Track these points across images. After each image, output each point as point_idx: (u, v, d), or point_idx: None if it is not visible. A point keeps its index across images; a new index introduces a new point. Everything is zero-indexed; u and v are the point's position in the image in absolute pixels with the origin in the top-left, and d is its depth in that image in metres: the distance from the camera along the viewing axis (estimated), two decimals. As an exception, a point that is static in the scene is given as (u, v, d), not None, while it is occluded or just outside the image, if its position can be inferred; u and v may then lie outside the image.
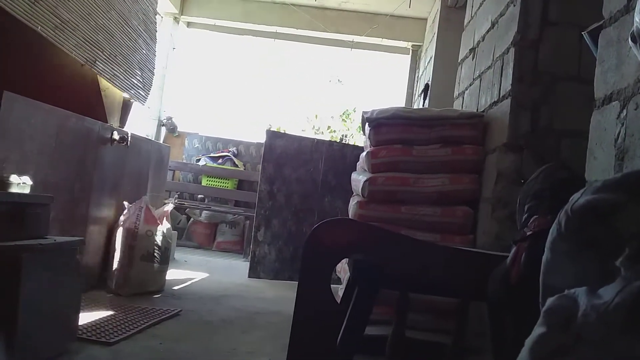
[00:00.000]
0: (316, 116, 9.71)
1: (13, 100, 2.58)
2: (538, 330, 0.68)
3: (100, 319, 2.86)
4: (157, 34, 4.75)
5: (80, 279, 2.48)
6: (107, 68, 3.74)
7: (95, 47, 3.50)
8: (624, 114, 1.36)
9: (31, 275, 2.03)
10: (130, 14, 4.06)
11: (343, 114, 9.77)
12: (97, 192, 3.51)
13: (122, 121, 4.26)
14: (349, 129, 9.54)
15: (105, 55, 3.66)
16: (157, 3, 4.79)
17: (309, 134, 9.11)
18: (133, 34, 4.14)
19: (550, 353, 0.65)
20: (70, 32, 3.18)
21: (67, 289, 2.37)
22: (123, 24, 3.93)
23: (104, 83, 3.78)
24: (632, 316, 0.59)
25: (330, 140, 6.69)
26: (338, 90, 10.37)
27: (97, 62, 3.55)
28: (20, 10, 2.69)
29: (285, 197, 5.23)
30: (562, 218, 0.79)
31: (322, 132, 9.43)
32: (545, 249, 0.82)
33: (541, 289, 0.82)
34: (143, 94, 4.53)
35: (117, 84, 3.94)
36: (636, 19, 1.09)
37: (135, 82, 4.29)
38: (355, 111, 9.60)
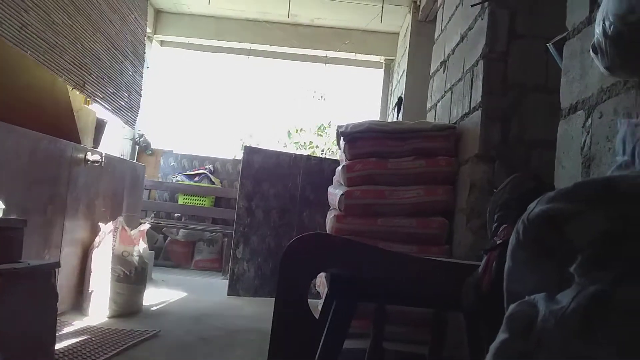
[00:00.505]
0: (297, 130, 9.74)
1: (-17, 123, 2.55)
2: (501, 336, 0.70)
3: (77, 342, 2.81)
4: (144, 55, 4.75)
5: (56, 302, 2.44)
6: (96, 91, 3.73)
7: (83, 70, 3.48)
8: (589, 122, 1.40)
9: (5, 300, 2.00)
10: (118, 36, 4.05)
11: (319, 128, 9.82)
12: (72, 213, 3.46)
13: (96, 141, 4.22)
14: (325, 143, 9.59)
15: (93, 78, 3.64)
16: (146, 25, 4.79)
17: (290, 149, 9.13)
18: (120, 57, 4.13)
19: (512, 359, 0.67)
20: (59, 55, 3.17)
21: (43, 313, 2.33)
22: (110, 47, 3.92)
23: (77, 104, 3.76)
24: (586, 320, 0.61)
25: (308, 155, 6.71)
26: (314, 105, 10.43)
27: (85, 85, 3.54)
28: (9, 35, 2.68)
29: (264, 213, 5.21)
30: (519, 227, 0.81)
31: (305, 147, 9.45)
32: (507, 257, 0.84)
33: (505, 296, 0.84)
34: (132, 116, 4.51)
35: (108, 107, 3.92)
36: (596, 30, 1.13)
37: (123, 104, 4.27)
38: (330, 126, 9.67)
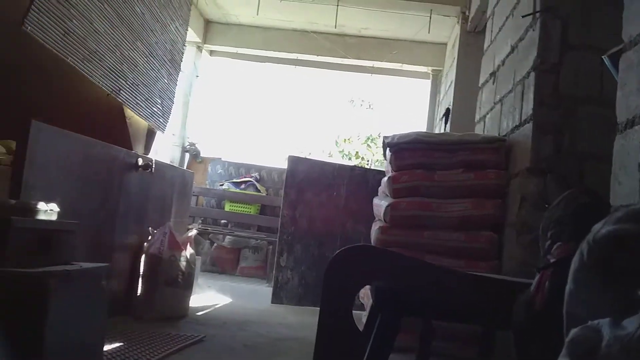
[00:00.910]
0: (344, 140, 9.73)
1: (40, 129, 2.64)
2: None
3: (125, 344, 2.87)
4: (182, 63, 4.85)
5: (107, 304, 2.50)
6: (130, 97, 3.82)
7: (119, 76, 3.58)
8: (648, 137, 1.35)
9: (57, 302, 2.06)
10: (157, 44, 4.15)
11: (367, 139, 9.79)
12: (122, 218, 3.55)
13: (147, 148, 4.33)
14: (374, 155, 9.55)
15: (128, 85, 3.74)
16: (186, 34, 4.89)
17: (336, 158, 9.13)
18: (156, 64, 4.23)
19: None
20: (97, 62, 3.26)
21: (93, 315, 2.39)
22: (148, 54, 4.02)
23: (129, 112, 3.86)
24: None
25: (352, 165, 6.70)
26: (360, 115, 10.42)
27: (121, 91, 3.63)
28: (51, 41, 2.77)
29: (308, 222, 5.23)
30: (584, 248, 0.78)
31: (350, 158, 9.44)
32: (569, 280, 0.81)
33: (565, 319, 0.81)
34: (162, 122, 4.61)
35: (140, 112, 4.02)
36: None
37: (156, 110, 4.36)
38: (379, 137, 9.63)
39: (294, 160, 5.43)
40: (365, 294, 2.86)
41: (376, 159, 9.36)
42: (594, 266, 0.76)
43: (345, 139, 9.79)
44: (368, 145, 9.70)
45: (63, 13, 2.83)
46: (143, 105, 4.08)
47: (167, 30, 4.33)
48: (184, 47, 4.87)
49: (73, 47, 2.97)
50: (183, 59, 4.91)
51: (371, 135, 9.76)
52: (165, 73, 4.46)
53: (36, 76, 3.21)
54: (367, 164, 8.89)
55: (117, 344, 2.84)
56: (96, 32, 3.18)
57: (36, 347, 1.97)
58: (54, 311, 2.03)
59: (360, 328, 1.70)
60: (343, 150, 9.70)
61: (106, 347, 2.53)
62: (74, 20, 2.91)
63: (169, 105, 4.71)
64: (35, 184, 2.62)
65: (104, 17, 3.26)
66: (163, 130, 4.71)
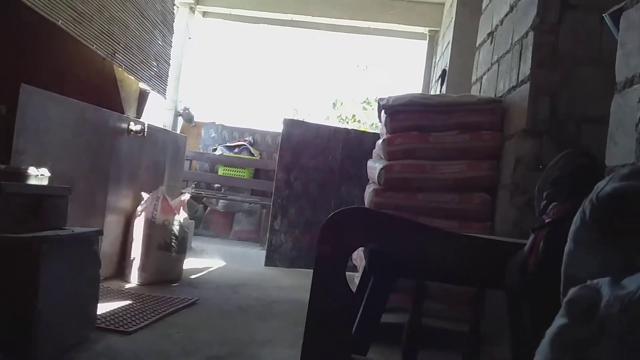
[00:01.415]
0: (341, 103, 9.65)
1: (30, 93, 2.59)
2: (559, 321, 0.66)
3: (118, 308, 2.88)
4: (174, 24, 4.75)
5: (99, 268, 2.50)
6: (126, 60, 3.75)
7: (112, 39, 3.50)
8: (646, 97, 1.32)
9: (50, 266, 2.05)
10: (147, 5, 4.05)
11: (364, 101, 9.71)
12: (115, 182, 3.53)
13: (139, 112, 4.28)
14: (368, 118, 9.50)
15: (122, 47, 3.67)
16: (175, -7, 4.78)
17: (333, 121, 9.06)
18: (149, 25, 4.14)
19: (571, 345, 0.63)
20: (88, 24, 3.19)
21: (86, 279, 2.39)
22: (139, 15, 3.92)
23: (120, 74, 3.80)
24: None
25: (347, 128, 6.65)
26: (356, 77, 10.32)
27: (115, 54, 3.56)
28: (40, 4, 2.70)
29: (302, 186, 5.22)
30: (586, 207, 0.76)
31: (347, 122, 9.38)
32: (568, 239, 0.79)
33: (562, 280, 0.79)
34: (162, 86, 4.55)
35: (138, 75, 3.95)
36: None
37: (153, 73, 4.30)
38: (375, 100, 9.55)
39: (290, 123, 5.38)
40: (357, 256, 2.86)
41: (372, 122, 9.32)
42: (596, 225, 0.73)
43: (341, 102, 9.71)
44: (364, 107, 9.64)
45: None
46: (140, 69, 4.01)
47: (155, -10, 4.23)
48: (174, 7, 4.77)
49: (60, 9, 2.89)
50: (175, 21, 4.82)
51: (367, 98, 9.68)
52: (159, 35, 4.37)
53: (26, 41, 3.13)
54: (364, 127, 8.85)
55: (110, 308, 2.84)
56: (82, -9, 3.10)
57: (29, 312, 1.97)
58: (46, 276, 2.03)
59: (353, 289, 1.69)
60: (340, 115, 9.64)
61: (99, 311, 2.53)
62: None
63: (166, 68, 4.64)
64: (25, 148, 2.58)
65: (87, -25, 3.17)
66: (164, 94, 4.65)
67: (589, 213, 0.75)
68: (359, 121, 9.48)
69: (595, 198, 0.74)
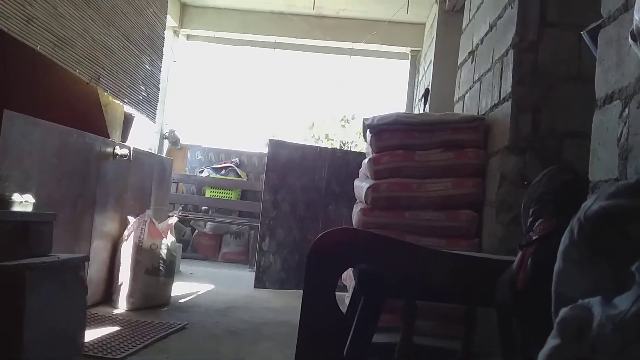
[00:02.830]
0: (312, 125, 9.72)
1: (13, 119, 2.58)
2: (552, 342, 0.66)
3: (106, 335, 2.84)
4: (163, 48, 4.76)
5: (86, 295, 2.47)
6: (111, 84, 3.75)
7: (95, 63, 3.50)
8: (626, 112, 1.35)
9: (35, 294, 2.02)
10: (133, 29, 4.06)
11: (342, 119, 9.78)
12: (101, 207, 3.50)
13: (124, 136, 4.26)
14: (347, 135, 9.57)
15: (106, 72, 3.66)
16: (165, 18, 4.79)
17: (309, 142, 9.13)
18: (135, 50, 4.14)
19: None
20: (69, 48, 3.18)
21: (73, 306, 2.36)
22: (124, 39, 3.93)
23: (105, 98, 3.79)
24: None
25: (333, 148, 6.69)
26: (339, 97, 10.39)
27: (100, 79, 3.55)
28: (16, 29, 2.69)
29: (290, 206, 5.21)
30: (574, 225, 0.77)
31: (322, 140, 9.45)
32: (557, 258, 0.79)
33: (553, 299, 0.79)
34: (151, 110, 4.54)
35: (125, 100, 3.95)
36: (636, 17, 1.08)
37: (141, 98, 4.29)
38: (354, 118, 9.63)
39: (275, 144, 5.40)
40: (347, 276, 2.86)
41: (351, 140, 9.38)
42: (584, 244, 0.74)
43: (313, 123, 9.78)
44: (342, 126, 9.71)
45: (22, -2, 2.74)
46: (127, 93, 4.01)
47: (143, 15, 4.24)
48: (164, 32, 4.78)
49: (39, 34, 2.89)
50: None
51: (345, 116, 9.77)
52: (146, 59, 4.37)
53: (6, 65, 3.12)
54: (345, 146, 8.89)
55: (98, 335, 2.81)
56: (61, 16, 3.09)
57: (15, 340, 1.94)
58: (32, 304, 2.00)
59: (343, 309, 1.69)
60: (314, 136, 9.69)
61: (87, 339, 2.50)
62: (35, 5, 2.82)
63: (155, 93, 4.63)
64: (9, 174, 2.56)
65: (67, 0, 3.17)
66: (154, 119, 4.64)
67: (577, 232, 0.76)
68: (332, 139, 9.53)
69: (583, 217, 0.75)
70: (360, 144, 8.80)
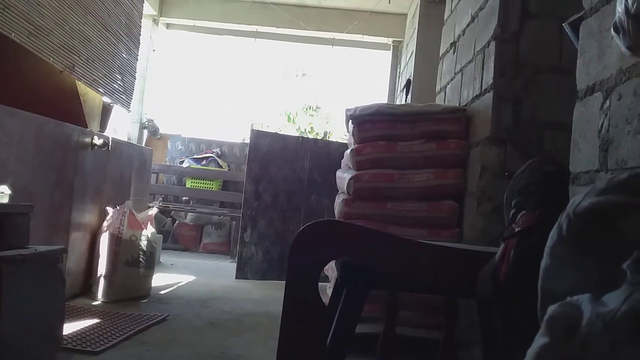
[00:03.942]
0: (290, 116, 9.69)
1: (-12, 108, 2.52)
2: (540, 340, 0.66)
3: (85, 327, 2.81)
4: (140, 37, 4.69)
5: (64, 287, 2.43)
6: (87, 73, 3.68)
7: (71, 52, 3.44)
8: (607, 104, 1.35)
9: (12, 287, 1.99)
10: (110, 18, 3.99)
11: (308, 108, 9.78)
12: (79, 198, 3.45)
13: (103, 125, 4.20)
14: (322, 124, 9.59)
15: (82, 61, 3.60)
16: (142, 6, 4.72)
17: (291, 132, 9.11)
18: (112, 39, 4.07)
19: None
20: (45, 37, 3.12)
21: (51, 299, 2.32)
22: (101, 28, 3.86)
23: (82, 88, 3.72)
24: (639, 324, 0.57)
25: (315, 138, 6.68)
26: (313, 87, 10.36)
27: (75, 67, 3.49)
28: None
29: (272, 197, 5.20)
30: (563, 222, 0.76)
31: (304, 131, 9.43)
32: (545, 254, 0.79)
33: (540, 295, 0.79)
34: (126, 99, 4.48)
35: (99, 89, 3.89)
36: (618, 9, 1.08)
37: (117, 87, 4.23)
38: (318, 107, 9.66)
39: (257, 135, 5.37)
40: (329, 266, 2.86)
41: (324, 130, 9.39)
42: (573, 240, 0.74)
43: (295, 113, 9.77)
44: (310, 115, 9.72)
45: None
46: (102, 82, 3.94)
47: (120, 3, 4.17)
48: (141, 20, 4.71)
49: (15, 22, 2.82)
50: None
51: (312, 105, 9.78)
52: (123, 48, 4.31)
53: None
54: (317, 135, 8.90)
55: (77, 328, 2.77)
56: (40, 5, 3.03)
57: (-9, 334, 1.91)
58: (9, 297, 1.96)
59: (325, 300, 1.69)
60: (298, 127, 9.67)
61: (66, 331, 2.47)
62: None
63: (131, 82, 4.57)
64: (-17, 165, 2.51)
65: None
66: (128, 108, 4.57)
67: (566, 228, 0.75)
68: (317, 134, 9.54)
69: (572, 213, 0.75)
70: (336, 135, 8.84)
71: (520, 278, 0.90)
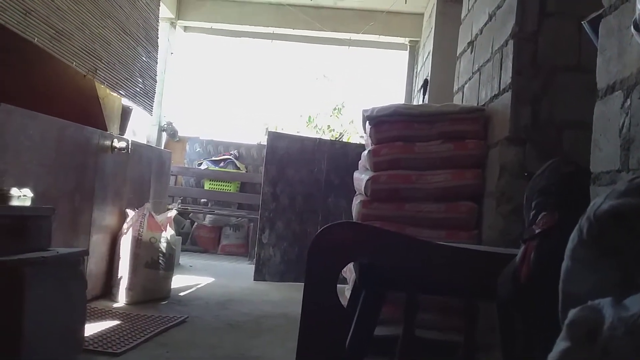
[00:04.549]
0: (310, 117, 9.71)
1: (10, 112, 2.56)
2: (562, 344, 0.65)
3: (106, 329, 2.84)
4: (158, 40, 4.74)
5: (85, 289, 2.46)
6: (108, 77, 3.73)
7: (93, 56, 3.48)
8: (628, 103, 1.34)
9: (35, 289, 2.02)
10: (128, 21, 4.04)
11: (334, 109, 9.80)
12: (99, 201, 3.49)
13: (122, 128, 4.25)
14: (342, 125, 9.60)
15: (104, 64, 3.64)
16: (159, 9, 4.77)
17: (309, 133, 9.12)
18: (132, 42, 4.12)
19: None
20: (67, 41, 3.16)
21: (72, 301, 2.35)
22: (120, 31, 3.91)
23: (102, 91, 3.77)
24: None
25: (332, 140, 6.68)
26: (335, 89, 10.37)
27: (97, 71, 3.54)
28: (14, 22, 2.67)
29: (289, 199, 5.21)
30: (583, 224, 0.75)
31: (323, 132, 9.44)
32: (565, 256, 0.78)
33: (561, 298, 0.78)
34: (148, 102, 4.53)
35: (122, 92, 3.93)
36: (638, 6, 1.07)
37: (138, 90, 4.28)
38: (343, 106, 9.67)
39: (274, 136, 5.38)
40: (347, 268, 2.85)
41: (345, 129, 9.40)
42: (593, 243, 0.73)
43: (316, 115, 9.78)
44: (336, 116, 9.72)
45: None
46: (124, 86, 3.99)
47: (136, 7, 4.21)
48: (158, 23, 4.76)
49: (37, 26, 2.87)
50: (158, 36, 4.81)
51: (337, 106, 9.79)
52: (142, 51, 4.35)
53: (4, 59, 3.10)
54: (343, 136, 8.90)
55: (98, 329, 2.81)
56: (59, 9, 3.07)
57: (15, 336, 1.94)
58: (32, 299, 1.99)
59: (343, 302, 1.69)
60: (317, 126, 9.69)
61: (87, 333, 2.50)
62: (33, -1, 2.80)
63: (152, 85, 4.62)
64: (6, 169, 2.55)
65: (64, -7, 3.14)
66: (150, 111, 4.62)
67: (586, 231, 0.74)
68: (332, 130, 9.53)
69: (592, 216, 0.74)
70: (354, 135, 8.84)
71: (541, 280, 0.89)
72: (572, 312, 0.64)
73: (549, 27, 2.50)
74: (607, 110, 1.43)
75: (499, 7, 2.78)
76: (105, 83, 3.69)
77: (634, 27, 1.09)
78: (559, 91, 2.47)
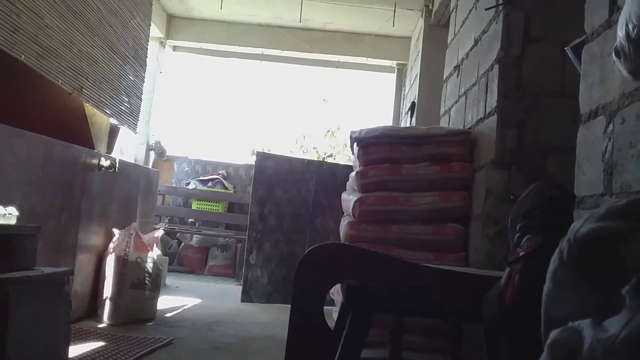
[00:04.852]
0: (304, 137, 9.77)
1: (-4, 130, 2.55)
2: None
3: (91, 350, 2.81)
4: (146, 59, 4.76)
5: (70, 309, 2.44)
6: (94, 95, 3.73)
7: (79, 74, 3.48)
8: (611, 128, 1.36)
9: (19, 308, 1.99)
10: (118, 40, 4.05)
11: (327, 132, 9.85)
12: (86, 220, 3.47)
13: (110, 147, 4.24)
14: (334, 147, 9.64)
15: (90, 83, 3.65)
16: (149, 29, 4.79)
17: (297, 154, 9.15)
18: (119, 60, 4.13)
19: None
20: (53, 59, 3.17)
21: (57, 320, 2.33)
22: (109, 50, 3.92)
23: (90, 110, 3.77)
24: (639, 350, 0.57)
25: (320, 161, 6.71)
26: (325, 110, 10.44)
27: (83, 89, 3.54)
28: (1, 39, 2.67)
29: (277, 219, 5.20)
30: (564, 247, 0.77)
31: (308, 152, 9.49)
32: (547, 278, 0.80)
33: (543, 320, 0.80)
34: (132, 121, 4.52)
35: (107, 111, 3.93)
36: (619, 33, 1.10)
37: (124, 108, 4.28)
38: (339, 129, 9.72)
39: (262, 157, 5.39)
40: (335, 290, 2.85)
41: (337, 151, 9.45)
42: (573, 265, 0.75)
43: (304, 136, 9.84)
44: (331, 137, 9.79)
45: (8, 8, 2.72)
46: (109, 104, 3.99)
47: (127, 26, 4.24)
48: (148, 43, 4.78)
49: (24, 44, 2.87)
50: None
51: (330, 129, 9.85)
52: (130, 70, 4.36)
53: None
54: (330, 158, 8.95)
55: (83, 350, 2.77)
56: (48, 27, 3.08)
57: (-3, 356, 1.91)
58: (16, 318, 1.97)
59: (331, 323, 1.69)
60: (302, 147, 9.74)
61: (71, 354, 2.46)
62: (21, 16, 2.80)
63: (137, 104, 4.62)
64: (-8, 187, 2.53)
65: (54, 11, 3.15)
66: (135, 129, 4.62)
67: (566, 253, 0.76)
68: (324, 154, 9.58)
69: (572, 238, 0.75)
70: (343, 156, 8.88)
71: (525, 303, 0.90)
72: (553, 333, 0.66)
73: (533, 52, 2.55)
74: (590, 135, 1.46)
75: (484, 32, 2.83)
76: (91, 101, 3.69)
77: (615, 54, 1.12)
78: (543, 115, 2.51)
